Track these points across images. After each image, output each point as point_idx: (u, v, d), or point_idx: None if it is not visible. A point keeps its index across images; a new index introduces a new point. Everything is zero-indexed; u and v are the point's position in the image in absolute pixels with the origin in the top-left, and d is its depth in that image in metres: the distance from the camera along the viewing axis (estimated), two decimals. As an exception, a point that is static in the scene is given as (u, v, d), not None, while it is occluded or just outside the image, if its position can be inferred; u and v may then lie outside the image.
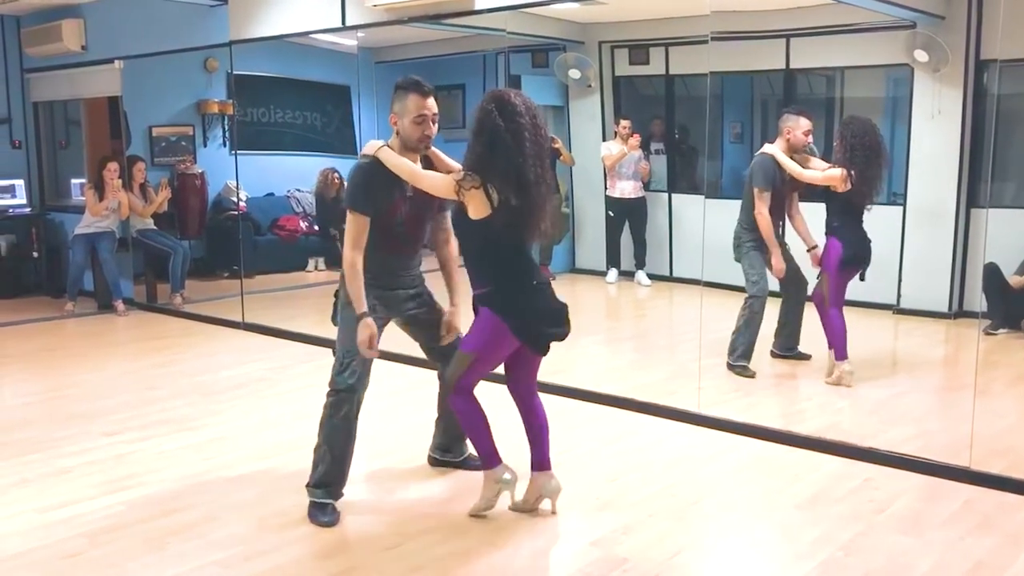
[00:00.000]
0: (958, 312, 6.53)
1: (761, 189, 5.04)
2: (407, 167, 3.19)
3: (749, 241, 5.17)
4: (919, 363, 5.07)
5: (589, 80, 8.47)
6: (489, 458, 3.27)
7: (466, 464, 3.73)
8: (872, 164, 4.89)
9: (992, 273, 6.34)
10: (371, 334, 3.15)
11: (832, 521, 3.26)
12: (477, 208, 3.07)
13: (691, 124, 8.65)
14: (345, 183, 3.37)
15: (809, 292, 5.27)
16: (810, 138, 5.21)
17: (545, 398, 4.75)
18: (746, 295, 5.16)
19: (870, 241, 5.08)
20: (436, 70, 10.12)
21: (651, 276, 8.31)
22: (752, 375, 5.07)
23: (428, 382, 3.94)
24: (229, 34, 6.94)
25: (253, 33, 6.81)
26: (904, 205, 6.68)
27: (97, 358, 6.04)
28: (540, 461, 3.31)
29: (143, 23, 7.54)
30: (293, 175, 9.32)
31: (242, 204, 8.56)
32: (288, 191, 9.36)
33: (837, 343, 4.92)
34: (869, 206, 5.03)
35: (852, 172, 4.85)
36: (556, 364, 5.33)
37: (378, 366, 3.44)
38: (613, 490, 3.57)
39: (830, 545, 3.07)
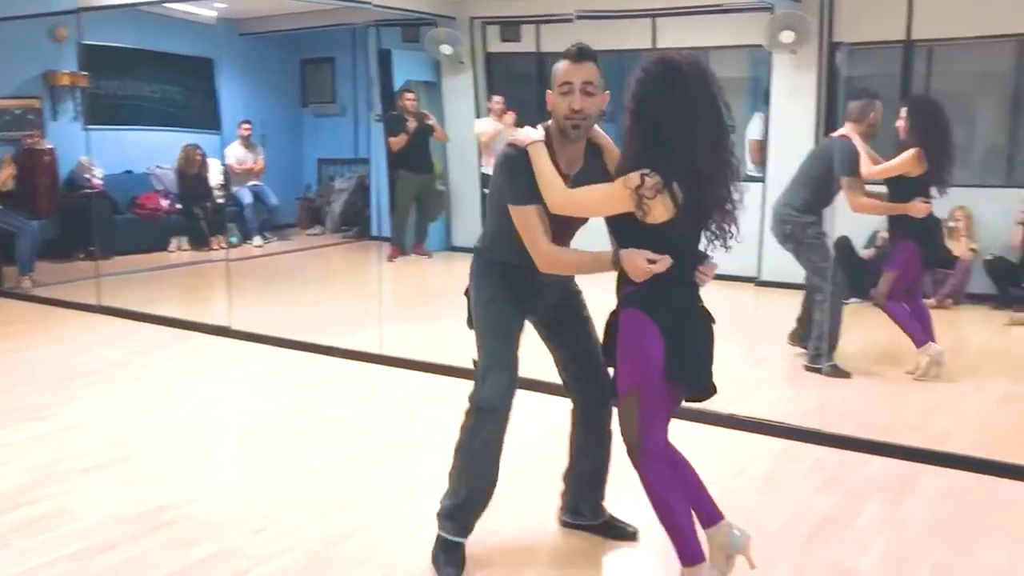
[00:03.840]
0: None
1: (852, 179, 4.70)
2: (550, 184, 2.46)
3: (811, 227, 4.81)
4: (778, 332, 5.29)
5: (461, 56, 8.42)
6: (687, 551, 2.45)
7: (611, 529, 2.95)
8: (943, 144, 4.59)
9: (844, 246, 6.67)
10: (644, 258, 2.34)
11: (694, 485, 3.37)
12: (657, 213, 2.32)
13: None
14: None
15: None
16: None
17: (420, 376, 4.76)
18: (822, 290, 4.83)
19: (939, 222, 4.89)
20: (304, 43, 9.87)
21: (526, 253, 8.36)
22: (848, 374, 4.78)
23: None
24: (77, 0, 6.54)
25: (102, 0, 6.44)
26: (764, 181, 6.94)
27: (-64, 346, 5.62)
28: (710, 514, 2.55)
29: (-19, -14, 7.02)
30: (153, 151, 8.91)
31: (97, 181, 8.13)
32: (148, 168, 8.94)
33: (914, 335, 4.82)
34: (944, 191, 4.67)
35: (925, 152, 4.53)
36: (432, 342, 5.34)
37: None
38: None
39: (692, 508, 3.17)
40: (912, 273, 4.98)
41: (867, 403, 4.45)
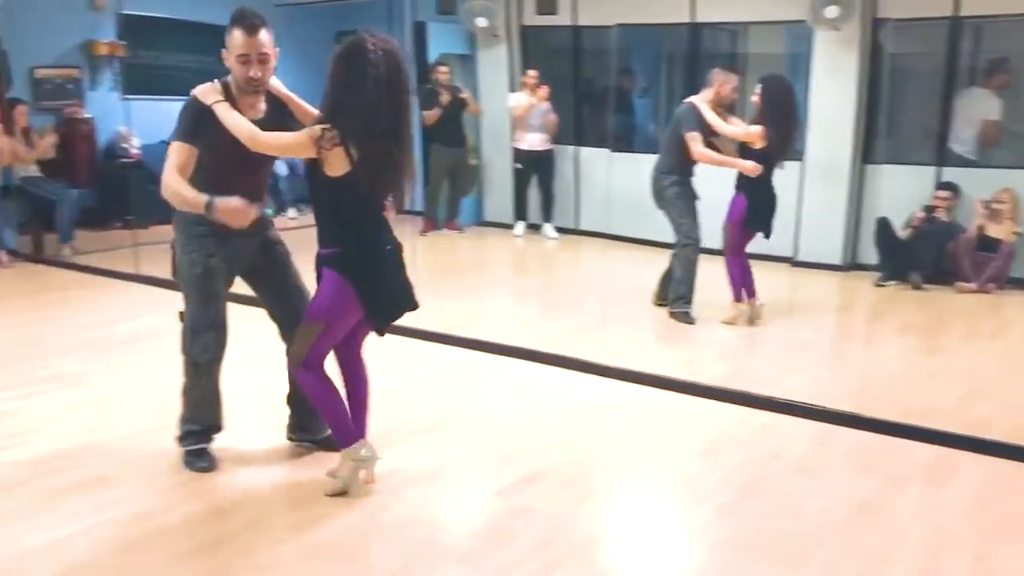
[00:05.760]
0: (851, 265, 6.78)
1: (692, 132, 5.18)
2: (246, 129, 2.86)
3: (672, 187, 5.27)
4: (814, 314, 5.24)
5: (496, 29, 8.35)
6: (346, 436, 3.04)
7: (327, 444, 3.30)
8: (788, 123, 5.11)
9: (883, 227, 6.58)
10: (239, 202, 2.83)
11: (730, 467, 3.35)
12: (336, 165, 2.77)
13: (599, 77, 8.64)
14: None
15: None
16: (736, 95, 5.39)
17: (451, 350, 4.77)
18: (680, 244, 5.28)
19: (776, 198, 5.23)
20: (338, 15, 9.80)
21: (558, 229, 8.33)
22: (693, 321, 5.25)
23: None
24: (117, -30, 6.57)
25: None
26: (803, 160, 6.84)
27: (-22, 312, 5.72)
28: (358, 430, 3.10)
29: (21, -45, 7.07)
30: (190, 122, 8.93)
31: (135, 151, 8.20)
32: (185, 139, 8.98)
33: (734, 288, 5.23)
34: (781, 164, 5.23)
35: (770, 130, 5.02)
36: (463, 317, 5.35)
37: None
38: (518, 441, 3.58)
39: (728, 490, 3.16)
40: (743, 229, 5.24)
41: (906, 385, 4.38)
